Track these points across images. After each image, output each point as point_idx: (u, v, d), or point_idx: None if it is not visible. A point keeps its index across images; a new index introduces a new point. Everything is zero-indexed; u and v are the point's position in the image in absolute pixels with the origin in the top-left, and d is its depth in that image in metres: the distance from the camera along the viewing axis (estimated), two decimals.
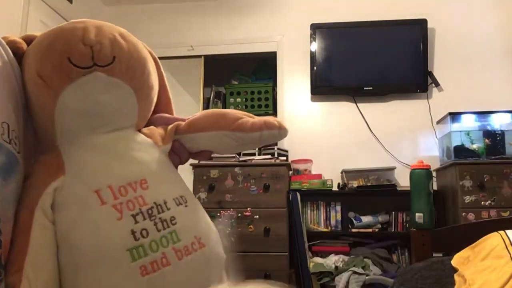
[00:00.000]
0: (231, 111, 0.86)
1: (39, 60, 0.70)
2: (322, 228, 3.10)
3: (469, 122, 2.99)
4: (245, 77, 3.82)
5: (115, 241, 0.67)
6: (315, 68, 3.42)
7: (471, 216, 2.66)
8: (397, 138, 3.35)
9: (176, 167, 0.89)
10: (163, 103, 0.92)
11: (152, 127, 0.86)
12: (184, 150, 0.87)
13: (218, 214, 2.88)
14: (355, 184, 3.09)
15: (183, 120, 0.88)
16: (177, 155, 0.87)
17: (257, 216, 2.85)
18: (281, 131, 0.85)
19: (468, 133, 2.91)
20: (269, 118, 0.85)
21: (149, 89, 0.81)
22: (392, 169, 3.18)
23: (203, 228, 0.78)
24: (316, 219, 3.13)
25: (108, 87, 0.73)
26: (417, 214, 1.56)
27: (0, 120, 0.64)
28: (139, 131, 0.84)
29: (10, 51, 0.73)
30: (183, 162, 0.90)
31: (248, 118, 0.85)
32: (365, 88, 3.36)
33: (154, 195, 0.73)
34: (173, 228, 0.72)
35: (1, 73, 0.68)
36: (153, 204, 0.72)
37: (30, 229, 0.65)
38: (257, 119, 0.85)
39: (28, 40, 0.78)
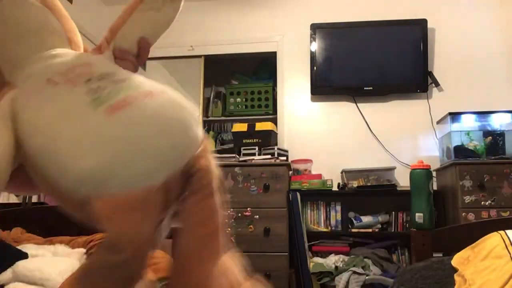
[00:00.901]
0: None
1: None
2: (322, 228, 3.10)
3: (469, 122, 2.99)
4: (245, 77, 3.82)
5: (74, 103, 0.71)
6: (315, 68, 3.42)
7: (471, 216, 2.66)
8: (397, 138, 3.35)
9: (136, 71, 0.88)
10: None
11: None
12: (124, 54, 0.87)
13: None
14: (355, 184, 3.09)
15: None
16: (126, 60, 0.87)
17: (257, 216, 2.85)
18: None
19: (468, 133, 2.91)
20: None
21: (63, 11, 0.87)
22: (392, 169, 3.18)
23: (158, 86, 0.79)
24: (316, 219, 3.13)
25: (24, 5, 0.79)
26: (417, 214, 1.56)
27: None
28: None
29: None
30: (139, 63, 0.90)
31: None
32: (365, 88, 3.36)
33: (101, 68, 0.77)
34: (129, 82, 0.75)
35: None
36: (102, 72, 0.76)
37: None
38: None
39: None
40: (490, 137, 2.87)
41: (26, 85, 0.77)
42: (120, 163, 0.65)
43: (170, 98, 0.75)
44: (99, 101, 0.69)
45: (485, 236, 1.18)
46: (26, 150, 0.71)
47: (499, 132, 2.88)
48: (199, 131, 0.77)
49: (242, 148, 3.09)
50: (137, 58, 0.88)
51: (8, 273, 1.42)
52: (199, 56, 3.69)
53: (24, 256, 1.51)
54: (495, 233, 1.15)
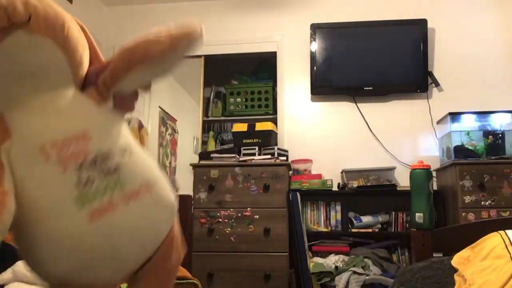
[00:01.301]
0: (140, 38, 0.86)
1: None
2: (322, 228, 3.10)
3: (469, 122, 2.99)
4: (245, 77, 3.82)
5: (61, 193, 0.70)
6: (315, 68, 3.42)
7: (471, 216, 2.66)
8: (397, 138, 3.35)
9: (124, 116, 0.89)
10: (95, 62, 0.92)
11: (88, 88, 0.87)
12: (124, 99, 0.87)
13: (218, 214, 2.88)
14: (355, 184, 3.09)
15: (106, 66, 0.87)
16: (120, 105, 0.87)
17: (257, 216, 2.85)
18: (195, 36, 0.88)
19: (468, 133, 2.91)
20: (180, 27, 0.85)
21: (75, 42, 0.81)
22: (392, 169, 3.18)
23: (149, 175, 0.80)
24: (316, 219, 3.13)
25: (32, 44, 0.74)
26: (417, 214, 1.56)
27: None
28: (82, 89, 0.84)
29: None
30: (130, 109, 0.90)
31: (158, 37, 0.84)
32: (365, 88, 3.36)
33: (98, 146, 0.76)
34: (119, 175, 0.75)
35: None
36: (97, 153, 0.75)
37: None
38: (165, 33, 0.84)
39: None
40: (490, 136, 2.87)
41: (21, 142, 0.73)
42: (90, 270, 0.71)
43: (154, 198, 0.77)
44: (85, 199, 0.71)
45: (485, 236, 1.18)
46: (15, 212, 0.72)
47: (499, 132, 2.88)
48: (174, 223, 0.82)
49: (242, 148, 3.09)
50: (131, 102, 0.89)
51: (8, 273, 1.42)
52: (199, 56, 3.69)
53: None
54: (495, 233, 1.15)
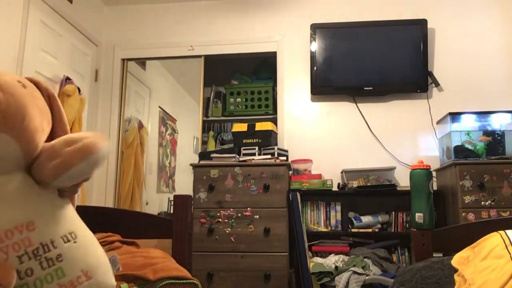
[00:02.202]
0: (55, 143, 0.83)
1: None
2: (322, 228, 3.10)
3: (469, 122, 2.99)
4: (245, 77, 3.82)
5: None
6: (315, 68, 3.42)
7: (471, 216, 2.66)
8: (397, 138, 3.35)
9: (72, 198, 0.91)
10: (60, 136, 0.92)
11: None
12: (67, 192, 0.89)
13: (218, 214, 2.88)
14: (355, 184, 3.09)
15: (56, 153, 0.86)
16: (63, 193, 0.89)
17: (257, 216, 2.85)
18: (94, 156, 0.82)
19: (468, 133, 2.91)
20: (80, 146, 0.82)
21: (33, 133, 0.83)
22: (392, 169, 3.18)
23: (91, 262, 0.81)
24: (316, 219, 3.13)
25: None
26: (417, 214, 1.56)
27: None
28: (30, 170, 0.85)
29: None
30: (74, 193, 0.91)
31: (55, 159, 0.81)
32: (365, 88, 3.36)
33: (41, 236, 0.77)
34: (59, 265, 0.76)
35: None
36: (39, 245, 0.76)
37: None
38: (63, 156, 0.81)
39: None
40: (485, 136, 2.86)
41: None
42: None
43: (94, 285, 0.79)
44: None
45: (485, 236, 1.18)
46: None
47: (499, 132, 2.88)
48: None
49: (242, 148, 3.09)
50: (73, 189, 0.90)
51: None
52: (199, 56, 3.69)
53: None
54: (495, 233, 1.15)
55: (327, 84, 3.42)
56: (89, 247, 0.84)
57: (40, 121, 0.85)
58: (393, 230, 3.05)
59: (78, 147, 0.80)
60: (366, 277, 2.63)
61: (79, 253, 0.80)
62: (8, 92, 0.77)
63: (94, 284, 0.80)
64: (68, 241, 0.80)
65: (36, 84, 0.90)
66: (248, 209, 2.87)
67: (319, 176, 3.14)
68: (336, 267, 2.76)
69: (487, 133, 2.90)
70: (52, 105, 0.91)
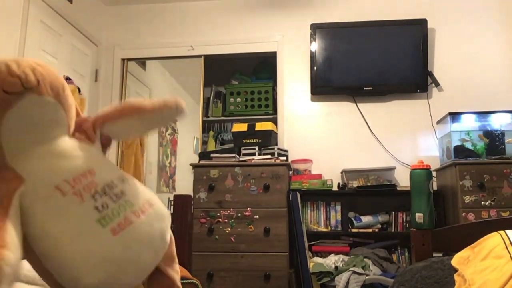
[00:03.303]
0: (133, 100, 1.03)
1: None
2: (322, 228, 3.10)
3: (469, 122, 2.99)
4: (245, 77, 3.82)
5: (84, 218, 0.85)
6: (315, 68, 3.42)
7: (471, 216, 2.67)
8: (397, 138, 3.35)
9: (105, 154, 1.08)
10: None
11: (77, 134, 1.04)
12: (107, 139, 1.06)
13: (218, 214, 2.88)
14: (355, 184, 3.09)
15: (87, 119, 1.04)
16: (103, 145, 1.06)
17: (257, 216, 2.85)
18: (178, 110, 1.01)
19: (468, 133, 2.91)
20: (168, 99, 1.01)
21: (71, 100, 1.00)
22: (392, 169, 3.18)
23: (147, 195, 0.99)
24: (316, 219, 3.13)
25: (41, 104, 0.90)
26: (417, 214, 1.56)
27: None
28: (72, 136, 1.02)
29: None
30: (108, 147, 1.09)
31: (150, 101, 1.02)
32: (365, 88, 3.36)
33: (102, 178, 0.93)
34: (125, 198, 0.92)
35: None
36: (104, 185, 0.91)
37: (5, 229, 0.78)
38: (157, 100, 1.01)
39: None
40: (481, 135, 2.86)
41: (35, 185, 0.87)
42: (116, 279, 0.85)
43: (156, 211, 0.96)
44: (106, 219, 0.86)
45: (485, 236, 1.18)
46: (33, 248, 0.84)
47: (499, 132, 2.89)
48: (169, 230, 1.02)
49: (242, 148, 3.09)
50: (110, 142, 1.08)
51: None
52: (199, 56, 3.69)
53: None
54: (495, 233, 1.15)
55: (327, 84, 3.42)
56: (139, 186, 1.00)
57: (71, 94, 1.01)
58: (393, 230, 3.05)
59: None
60: (366, 277, 2.63)
61: (135, 189, 0.96)
62: (47, 68, 0.93)
63: (155, 210, 0.96)
64: (123, 181, 0.96)
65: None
66: (248, 209, 2.87)
67: (319, 176, 3.14)
68: (336, 267, 2.76)
69: (487, 133, 2.90)
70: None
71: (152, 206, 0.96)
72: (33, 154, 0.89)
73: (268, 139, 3.11)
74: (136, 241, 0.89)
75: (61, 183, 0.86)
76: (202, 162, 3.06)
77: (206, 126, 3.86)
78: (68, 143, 0.95)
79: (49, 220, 0.83)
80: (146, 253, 0.91)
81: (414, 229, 1.48)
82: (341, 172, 3.27)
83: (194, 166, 3.03)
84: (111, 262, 0.84)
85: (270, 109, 3.58)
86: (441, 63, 3.40)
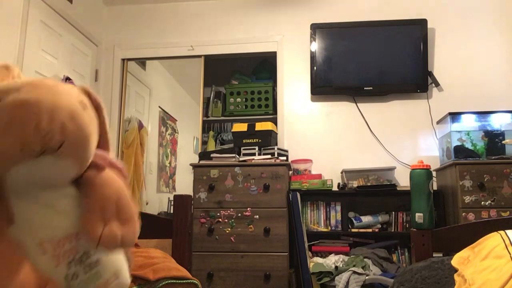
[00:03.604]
0: None
1: None
2: (322, 228, 3.10)
3: (469, 122, 2.99)
4: (245, 77, 3.82)
5: (57, 281, 0.83)
6: (315, 68, 3.42)
7: (471, 216, 2.66)
8: (397, 138, 3.35)
9: None
10: (102, 146, 1.02)
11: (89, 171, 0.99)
12: None
13: (218, 214, 2.88)
14: (355, 184, 3.09)
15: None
16: None
17: (257, 216, 2.85)
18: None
19: (468, 133, 2.91)
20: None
21: (89, 157, 0.94)
22: (392, 169, 3.18)
23: (118, 264, 0.96)
24: (316, 219, 3.13)
25: (56, 165, 0.85)
26: (417, 214, 1.56)
27: None
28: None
29: None
30: None
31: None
32: (365, 88, 3.36)
33: (84, 245, 0.89)
34: (96, 269, 0.90)
35: None
36: (83, 252, 0.88)
37: None
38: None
39: None
40: (483, 134, 2.86)
41: (22, 231, 0.84)
42: None
43: (121, 284, 0.93)
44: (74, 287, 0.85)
45: (485, 236, 1.18)
46: None
47: (499, 132, 2.89)
48: None
49: (242, 148, 3.09)
50: None
51: None
52: (199, 56, 3.69)
53: None
54: (495, 233, 1.15)
55: (327, 84, 3.42)
56: (116, 252, 0.97)
57: (95, 144, 0.95)
58: (393, 230, 3.05)
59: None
60: (366, 277, 2.63)
61: (110, 258, 0.93)
62: (79, 124, 0.86)
63: (120, 283, 0.94)
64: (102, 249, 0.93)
65: (88, 95, 0.96)
66: (248, 209, 2.87)
67: (319, 176, 3.14)
68: (336, 267, 2.76)
69: (487, 133, 2.90)
70: (98, 116, 0.97)
71: (118, 278, 0.94)
72: (31, 199, 0.87)
73: (268, 139, 3.11)
74: None
75: (46, 240, 0.84)
76: (202, 162, 3.06)
77: (206, 126, 3.86)
78: (68, 197, 0.91)
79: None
80: None
81: (414, 229, 1.48)
82: (341, 172, 3.27)
83: (194, 166, 3.03)
84: None
85: (270, 109, 3.58)
86: (441, 63, 3.40)
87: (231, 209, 2.88)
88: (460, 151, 2.85)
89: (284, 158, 3.09)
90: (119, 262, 0.96)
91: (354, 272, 2.65)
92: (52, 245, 0.84)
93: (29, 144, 0.77)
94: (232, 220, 2.86)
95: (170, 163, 4.36)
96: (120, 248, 0.93)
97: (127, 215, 0.93)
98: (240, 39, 3.63)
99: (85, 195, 0.91)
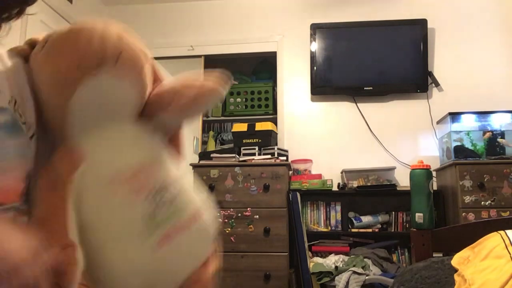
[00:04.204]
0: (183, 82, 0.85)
1: (53, 62, 0.74)
2: (322, 228, 3.10)
3: (469, 122, 2.99)
4: (245, 77, 3.82)
5: (132, 222, 0.75)
6: (315, 68, 3.42)
7: (471, 216, 2.66)
8: (397, 138, 3.35)
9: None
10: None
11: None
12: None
13: (218, 214, 2.88)
14: (355, 184, 3.09)
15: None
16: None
17: (257, 216, 2.85)
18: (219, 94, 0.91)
19: (468, 133, 2.91)
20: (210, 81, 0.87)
21: (147, 80, 0.87)
22: (392, 169, 3.18)
23: (198, 204, 0.87)
24: (316, 219, 3.13)
25: (113, 86, 0.79)
26: (417, 214, 1.56)
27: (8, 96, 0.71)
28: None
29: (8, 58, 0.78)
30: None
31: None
32: (365, 88, 3.36)
33: (160, 178, 0.82)
34: (176, 204, 0.81)
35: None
36: (160, 186, 0.80)
37: (66, 211, 0.70)
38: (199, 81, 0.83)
39: (33, 44, 0.82)
40: (490, 133, 2.86)
41: (92, 170, 0.77)
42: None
43: (204, 223, 0.85)
44: (154, 227, 0.77)
45: (485, 236, 1.18)
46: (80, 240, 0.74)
47: (499, 132, 2.89)
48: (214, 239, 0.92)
49: (242, 148, 3.09)
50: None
51: None
52: (199, 56, 3.69)
53: None
54: (495, 233, 1.15)
55: (327, 84, 3.42)
56: (192, 192, 0.88)
57: (149, 69, 0.88)
58: (393, 230, 3.05)
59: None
60: (366, 277, 2.63)
61: (187, 196, 0.85)
62: (132, 44, 0.80)
63: (204, 222, 0.86)
64: (178, 182, 0.85)
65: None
66: (248, 209, 2.87)
67: (319, 176, 3.14)
68: (336, 267, 2.76)
69: (487, 133, 2.89)
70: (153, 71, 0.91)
71: (201, 217, 0.86)
72: (99, 135, 0.81)
73: (268, 139, 3.11)
74: (179, 254, 0.80)
75: (117, 175, 0.77)
76: (202, 162, 3.06)
77: (206, 126, 3.86)
78: (132, 130, 0.85)
79: (98, 216, 0.75)
80: (187, 266, 0.83)
81: (414, 229, 1.48)
82: (341, 172, 3.27)
83: (194, 166, 3.03)
84: (152, 273, 0.77)
85: (270, 109, 3.58)
86: (441, 63, 3.40)
87: (231, 209, 2.88)
88: (460, 151, 2.85)
89: (284, 158, 3.09)
90: (198, 201, 0.88)
91: (354, 272, 2.65)
92: (124, 180, 0.77)
93: (85, 58, 0.73)
94: (232, 220, 2.86)
95: None
96: None
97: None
98: (240, 39, 3.63)
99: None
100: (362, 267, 2.70)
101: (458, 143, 2.88)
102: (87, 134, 0.80)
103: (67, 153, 0.78)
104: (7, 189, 0.69)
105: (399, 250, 3.02)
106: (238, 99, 3.65)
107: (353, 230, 3.03)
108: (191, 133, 4.20)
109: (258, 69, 3.83)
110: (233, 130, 3.24)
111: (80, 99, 0.77)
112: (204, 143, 3.81)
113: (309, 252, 2.94)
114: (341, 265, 2.77)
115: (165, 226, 0.78)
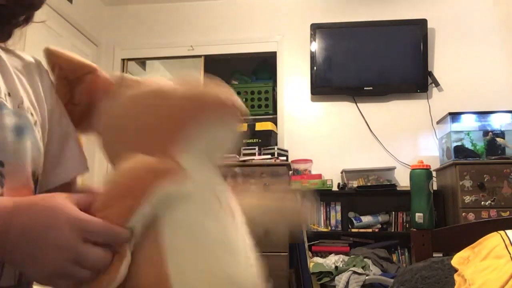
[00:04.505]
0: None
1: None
2: (322, 228, 3.10)
3: (469, 122, 2.99)
4: (245, 77, 3.82)
5: (239, 239, 0.78)
6: (315, 68, 3.42)
7: (471, 216, 2.66)
8: (397, 138, 3.35)
9: None
10: None
11: None
12: None
13: None
14: (355, 184, 3.09)
15: None
16: None
17: None
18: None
19: (468, 133, 2.91)
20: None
21: None
22: (392, 169, 3.18)
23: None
24: (316, 219, 3.13)
25: (231, 128, 0.83)
26: (417, 214, 1.56)
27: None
28: None
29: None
30: None
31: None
32: (365, 88, 3.36)
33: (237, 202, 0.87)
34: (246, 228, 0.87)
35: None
36: (240, 210, 0.85)
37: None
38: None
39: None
40: (490, 133, 2.86)
41: (200, 185, 0.77)
42: None
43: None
44: (248, 248, 0.79)
45: (485, 236, 1.18)
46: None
47: (499, 132, 2.89)
48: None
49: (242, 148, 3.09)
50: None
51: None
52: (199, 56, 3.69)
53: None
54: (495, 233, 1.15)
55: (327, 84, 3.42)
56: None
57: None
58: (393, 230, 3.05)
59: None
60: (366, 277, 2.63)
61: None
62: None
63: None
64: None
65: None
66: None
67: (319, 176, 3.14)
68: (336, 267, 2.76)
69: (486, 133, 2.90)
70: None
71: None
72: (201, 159, 0.81)
73: (268, 139, 3.11)
74: (258, 277, 0.82)
75: (219, 193, 0.79)
76: None
77: None
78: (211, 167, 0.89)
79: (205, 225, 0.74)
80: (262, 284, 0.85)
81: (414, 229, 1.48)
82: (341, 172, 3.26)
83: None
84: None
85: (270, 109, 3.58)
86: (441, 63, 3.40)
87: None
88: (460, 151, 2.85)
89: (284, 158, 3.09)
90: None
91: (354, 272, 2.65)
92: (223, 196, 0.81)
93: (233, 115, 0.77)
94: None
95: None
96: None
97: None
98: (240, 39, 3.63)
99: None
100: (362, 267, 2.70)
101: (459, 143, 2.88)
102: (195, 155, 0.79)
103: (158, 165, 0.73)
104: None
105: (399, 250, 3.02)
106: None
107: (353, 230, 3.03)
108: None
109: (258, 69, 3.83)
110: None
111: (211, 134, 0.78)
112: None
113: (309, 252, 2.94)
114: (341, 265, 2.77)
115: (252, 247, 0.81)
